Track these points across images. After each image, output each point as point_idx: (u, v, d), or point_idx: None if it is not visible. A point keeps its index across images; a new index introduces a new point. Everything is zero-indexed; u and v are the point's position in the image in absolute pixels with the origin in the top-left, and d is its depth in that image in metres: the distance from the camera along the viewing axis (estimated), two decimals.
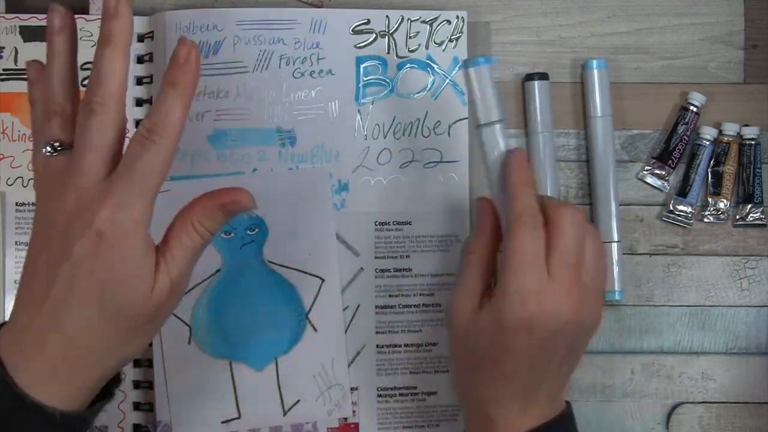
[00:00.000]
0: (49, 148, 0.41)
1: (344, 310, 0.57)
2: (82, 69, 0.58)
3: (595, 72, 0.59)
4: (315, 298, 0.56)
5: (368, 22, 0.58)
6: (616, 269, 0.58)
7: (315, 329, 0.57)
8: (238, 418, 0.56)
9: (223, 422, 0.56)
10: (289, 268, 0.56)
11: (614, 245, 0.58)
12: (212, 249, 0.56)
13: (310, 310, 0.57)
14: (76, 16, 0.58)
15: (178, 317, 0.56)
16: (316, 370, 0.56)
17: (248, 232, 0.56)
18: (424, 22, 0.59)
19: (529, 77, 0.59)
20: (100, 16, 0.58)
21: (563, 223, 0.45)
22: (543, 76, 0.59)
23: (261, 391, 0.56)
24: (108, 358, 0.41)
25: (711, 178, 0.60)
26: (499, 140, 0.49)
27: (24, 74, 0.58)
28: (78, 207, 0.39)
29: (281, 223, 0.56)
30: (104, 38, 0.41)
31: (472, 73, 0.49)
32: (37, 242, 0.41)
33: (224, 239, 0.56)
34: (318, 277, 0.56)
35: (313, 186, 0.57)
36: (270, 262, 0.57)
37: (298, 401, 0.56)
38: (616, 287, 0.58)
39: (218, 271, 0.56)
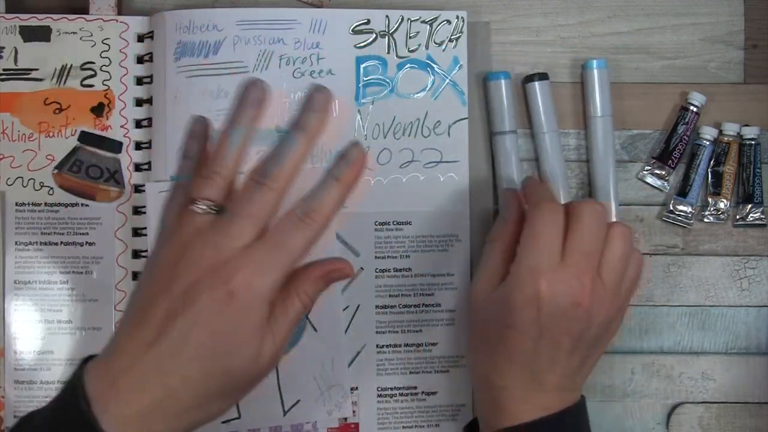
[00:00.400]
0: (204, 207, 0.40)
1: (344, 310, 0.57)
2: (81, 69, 0.58)
3: (595, 72, 0.59)
4: None
5: (368, 22, 0.58)
6: None
7: (315, 329, 0.57)
8: (238, 418, 0.56)
9: (223, 422, 0.56)
10: None
11: None
12: None
13: (309, 310, 0.56)
14: (76, 16, 0.58)
15: None
16: (316, 370, 0.56)
17: None
18: (424, 22, 0.59)
19: (529, 78, 0.59)
20: (100, 17, 0.58)
21: (582, 212, 0.47)
22: (543, 77, 0.59)
23: (261, 392, 0.56)
24: (197, 414, 0.40)
25: (711, 178, 0.60)
26: (509, 148, 0.57)
27: (24, 74, 0.58)
28: (214, 264, 0.39)
29: None
30: (300, 125, 0.42)
31: (492, 87, 0.58)
32: (155, 288, 0.40)
33: None
34: None
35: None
36: None
37: (298, 401, 0.56)
38: None
39: None
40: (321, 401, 0.56)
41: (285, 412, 0.56)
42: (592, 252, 0.46)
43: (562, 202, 0.57)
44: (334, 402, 0.57)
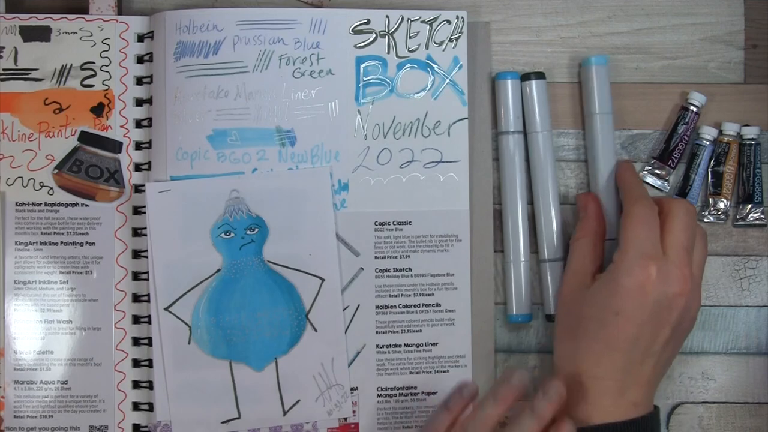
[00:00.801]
0: None
1: (344, 310, 0.57)
2: (81, 69, 0.58)
3: (594, 68, 0.58)
4: (315, 298, 0.56)
5: (368, 22, 0.58)
6: None
7: (315, 329, 0.57)
8: (238, 418, 0.56)
9: (222, 422, 0.56)
10: (289, 268, 0.56)
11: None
12: (212, 249, 0.56)
13: (309, 310, 0.57)
14: (76, 16, 0.58)
15: (178, 317, 0.56)
16: (316, 370, 0.56)
17: (248, 232, 0.56)
18: (424, 22, 0.59)
19: (526, 77, 0.59)
20: (100, 17, 0.58)
21: (678, 210, 0.50)
22: (540, 76, 0.59)
23: (261, 392, 0.56)
24: None
25: (711, 178, 0.60)
26: (512, 149, 0.58)
27: (24, 74, 0.58)
28: None
29: (281, 223, 0.56)
30: (535, 408, 0.46)
31: (500, 86, 0.58)
32: None
33: (224, 239, 0.56)
34: (318, 277, 0.56)
35: (313, 186, 0.57)
36: (270, 262, 0.57)
37: (298, 401, 0.56)
38: None
39: (218, 271, 0.56)
40: (321, 401, 0.56)
41: (285, 412, 0.56)
42: (689, 247, 0.49)
43: (552, 203, 0.58)
44: (334, 402, 0.57)
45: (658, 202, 0.52)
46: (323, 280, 0.56)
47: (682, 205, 0.51)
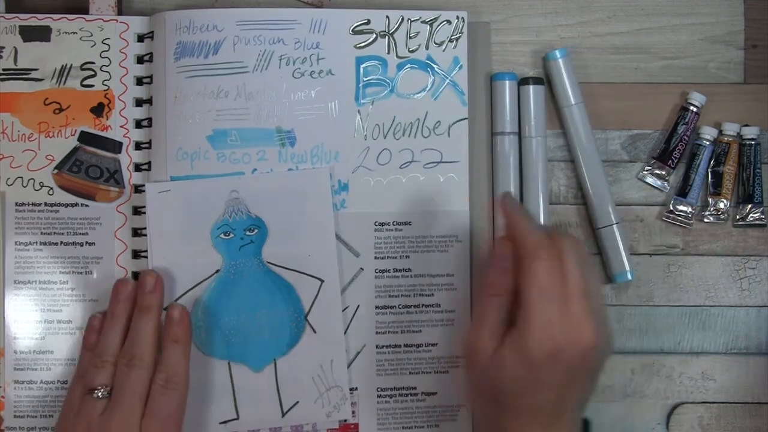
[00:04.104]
0: (102, 392, 0.51)
1: (344, 310, 0.57)
2: (81, 69, 0.58)
3: (560, 62, 0.59)
4: (314, 300, 0.56)
5: (368, 22, 0.58)
6: (622, 249, 0.58)
7: (314, 330, 0.57)
8: (237, 419, 0.56)
9: (221, 423, 0.56)
10: (289, 269, 0.56)
11: (615, 227, 0.58)
12: (212, 249, 0.56)
13: (309, 311, 0.56)
14: (76, 16, 0.58)
15: None
16: (315, 371, 0.56)
17: (247, 232, 0.56)
18: (424, 22, 0.59)
19: (524, 81, 0.59)
20: (100, 17, 0.58)
21: (569, 253, 0.47)
22: (538, 81, 0.59)
23: (260, 393, 0.56)
24: None
25: (711, 178, 0.60)
26: (507, 150, 0.58)
27: (24, 74, 0.58)
28: None
29: (281, 224, 0.56)
30: (143, 307, 0.53)
31: (497, 87, 0.58)
32: None
33: (223, 240, 0.56)
34: (317, 278, 0.56)
35: (313, 186, 0.57)
36: (269, 263, 0.56)
37: (297, 403, 0.56)
38: (627, 267, 0.58)
39: (217, 271, 0.56)
40: (320, 403, 0.56)
41: (284, 414, 0.56)
42: (586, 288, 0.47)
43: (542, 205, 0.58)
44: (333, 404, 0.57)
45: (548, 240, 0.48)
46: (322, 281, 0.56)
47: (570, 246, 0.47)
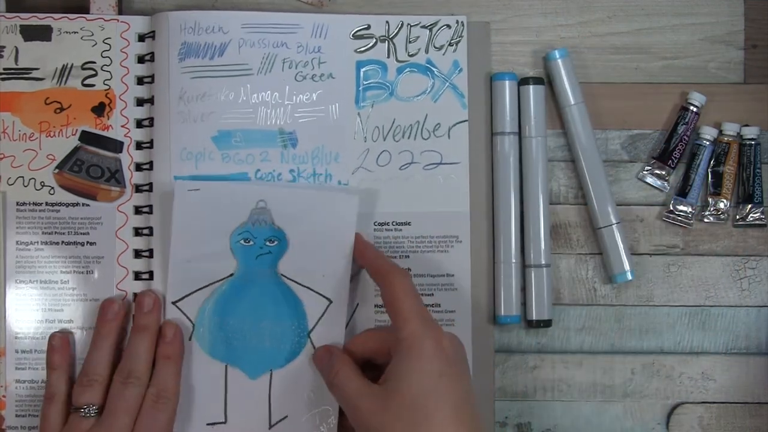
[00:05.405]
0: (91, 412, 0.52)
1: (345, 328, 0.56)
2: (82, 69, 0.58)
3: (560, 62, 0.59)
4: (320, 318, 0.56)
5: (368, 27, 0.59)
6: (622, 249, 0.59)
7: (314, 348, 0.56)
8: (224, 422, 0.55)
9: (208, 424, 0.55)
10: (301, 284, 0.56)
11: (615, 227, 0.58)
12: (229, 253, 0.56)
13: (313, 328, 0.56)
14: (77, 15, 0.58)
15: (184, 313, 0.55)
16: (309, 389, 0.55)
17: (267, 243, 0.56)
18: (423, 27, 0.59)
19: (524, 81, 0.59)
20: (101, 16, 0.58)
21: (401, 280, 0.50)
22: (538, 81, 0.59)
23: (251, 400, 0.55)
24: None
25: (711, 178, 0.60)
26: (507, 150, 0.58)
27: (25, 74, 0.58)
28: None
29: (302, 240, 0.56)
30: (140, 327, 0.54)
31: (497, 87, 0.58)
32: None
33: (242, 246, 0.56)
34: (326, 297, 0.56)
35: (341, 211, 0.56)
36: (283, 275, 0.56)
37: (285, 417, 0.55)
38: (627, 267, 0.59)
39: (231, 275, 0.56)
40: (308, 422, 0.55)
41: (271, 426, 0.55)
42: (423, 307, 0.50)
43: (542, 206, 0.58)
44: (322, 425, 0.55)
45: (377, 268, 0.52)
46: (331, 301, 0.56)
47: (398, 276, 0.50)
